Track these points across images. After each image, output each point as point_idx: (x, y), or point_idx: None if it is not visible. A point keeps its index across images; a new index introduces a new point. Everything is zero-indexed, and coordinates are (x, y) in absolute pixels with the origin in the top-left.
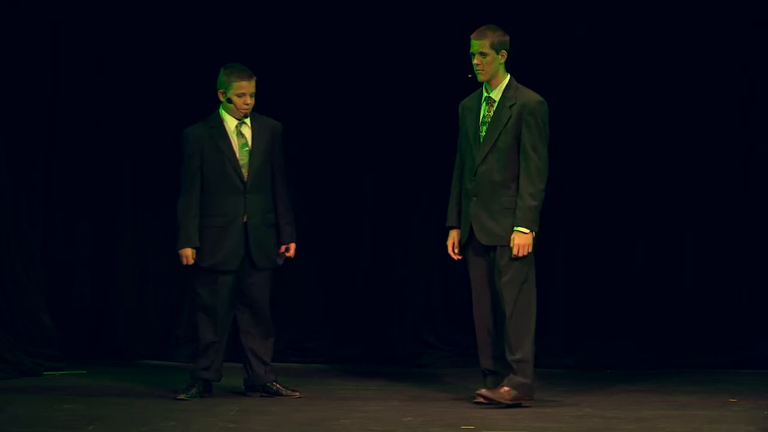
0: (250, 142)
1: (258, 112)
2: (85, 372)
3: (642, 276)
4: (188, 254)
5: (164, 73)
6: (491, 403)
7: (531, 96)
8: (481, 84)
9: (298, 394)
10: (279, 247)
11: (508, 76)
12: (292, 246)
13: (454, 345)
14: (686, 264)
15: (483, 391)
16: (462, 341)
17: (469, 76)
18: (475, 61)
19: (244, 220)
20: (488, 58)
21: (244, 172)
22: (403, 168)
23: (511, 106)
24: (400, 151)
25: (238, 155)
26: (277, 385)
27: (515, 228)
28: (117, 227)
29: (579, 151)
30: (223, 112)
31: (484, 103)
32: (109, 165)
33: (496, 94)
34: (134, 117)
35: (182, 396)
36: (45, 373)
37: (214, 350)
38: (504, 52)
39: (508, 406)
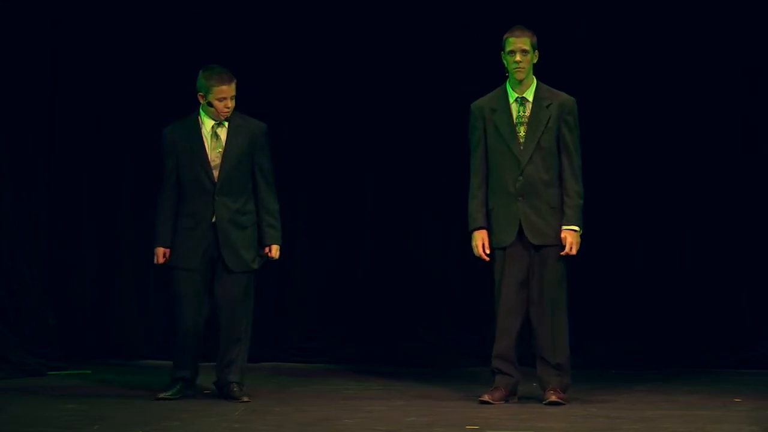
0: (224, 144)
1: (262, 112)
2: (89, 372)
3: (644, 276)
4: (158, 253)
5: (165, 72)
6: (561, 404)
7: (565, 96)
8: (503, 83)
9: (246, 398)
10: (262, 249)
11: (534, 76)
12: (275, 248)
13: (457, 345)
14: (687, 264)
15: (554, 396)
16: (465, 341)
17: (506, 75)
18: (517, 58)
19: (213, 221)
20: (529, 56)
21: (215, 173)
22: (404, 168)
23: (548, 106)
24: (401, 151)
25: (209, 156)
26: (234, 388)
27: (566, 227)
28: (119, 227)
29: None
30: (202, 112)
31: (515, 104)
32: (110, 165)
33: (529, 94)
34: (134, 117)
35: (163, 395)
36: (49, 373)
37: (184, 348)
38: (537, 52)
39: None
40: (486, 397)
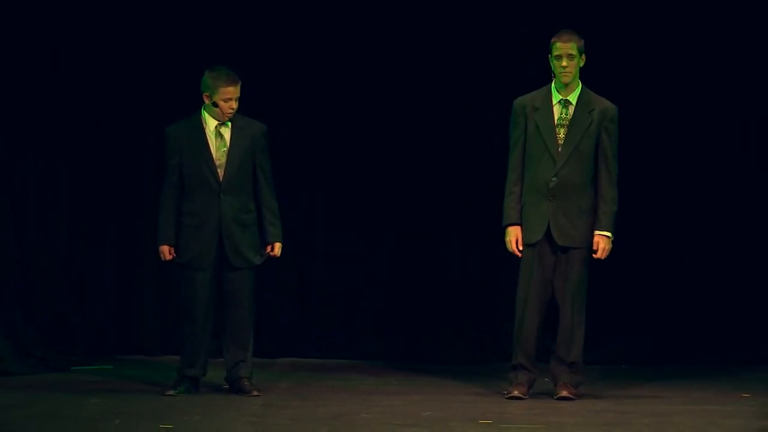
0: (228, 144)
1: (275, 112)
2: (111, 368)
3: (657, 273)
4: (164, 251)
5: (169, 72)
6: (571, 399)
7: (608, 103)
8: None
9: (255, 392)
10: (264, 247)
11: (579, 81)
12: (277, 245)
13: (474, 341)
14: (702, 261)
15: (564, 391)
16: (481, 338)
17: (552, 76)
18: (564, 63)
19: (218, 219)
20: (575, 61)
21: (220, 172)
22: (423, 168)
23: (590, 111)
24: (419, 149)
25: (214, 156)
26: (245, 383)
27: (600, 232)
28: (139, 225)
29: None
30: (205, 112)
31: (558, 105)
32: (130, 167)
33: (573, 98)
34: (154, 119)
35: (171, 392)
36: (72, 368)
37: (196, 346)
38: (584, 56)
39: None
40: (516, 392)
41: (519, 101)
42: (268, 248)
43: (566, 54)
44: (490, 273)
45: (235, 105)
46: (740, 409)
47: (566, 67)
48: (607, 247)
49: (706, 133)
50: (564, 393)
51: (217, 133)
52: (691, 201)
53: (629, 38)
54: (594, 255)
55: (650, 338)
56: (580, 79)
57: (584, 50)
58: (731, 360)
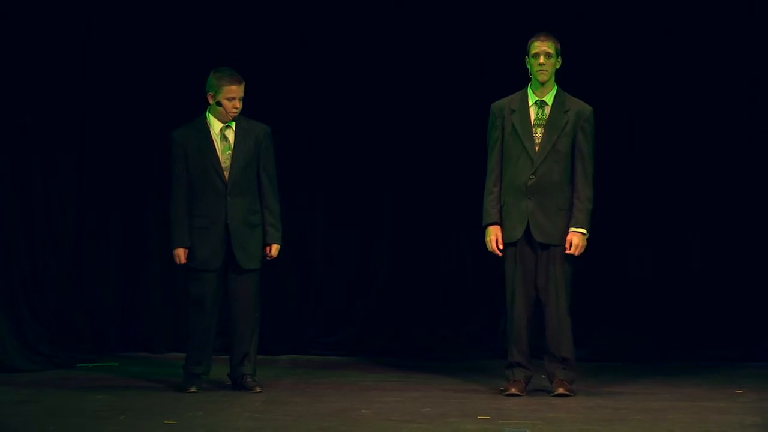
0: (233, 146)
1: (278, 113)
2: (116, 364)
3: (651, 270)
4: (180, 254)
5: (189, 73)
6: (568, 396)
7: (584, 104)
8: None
9: (258, 389)
10: (263, 248)
11: (555, 83)
12: (274, 247)
13: (472, 338)
14: (695, 259)
15: (561, 389)
16: (478, 335)
17: (529, 78)
18: (541, 61)
19: (226, 221)
20: (552, 60)
21: (226, 174)
22: (421, 165)
23: (566, 111)
24: (417, 150)
25: (220, 158)
26: (248, 380)
27: (574, 229)
28: (145, 224)
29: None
30: (210, 115)
31: (535, 106)
32: (138, 165)
33: (549, 98)
34: (160, 118)
35: (192, 389)
36: (78, 365)
37: (203, 345)
38: (560, 59)
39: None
40: (513, 390)
41: (496, 104)
42: (267, 249)
43: (544, 52)
44: (488, 271)
45: (238, 104)
46: (733, 405)
47: (543, 64)
48: (581, 244)
49: (704, 132)
50: (560, 390)
51: (221, 136)
52: (685, 198)
53: (615, 41)
54: (566, 251)
55: (644, 335)
56: (557, 82)
57: (561, 53)
58: (724, 356)
